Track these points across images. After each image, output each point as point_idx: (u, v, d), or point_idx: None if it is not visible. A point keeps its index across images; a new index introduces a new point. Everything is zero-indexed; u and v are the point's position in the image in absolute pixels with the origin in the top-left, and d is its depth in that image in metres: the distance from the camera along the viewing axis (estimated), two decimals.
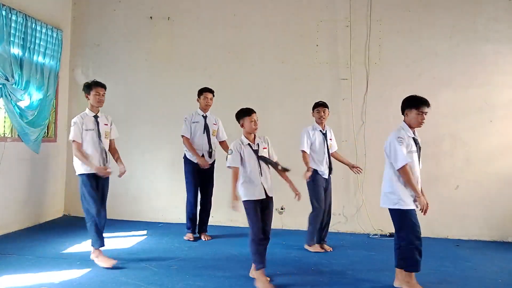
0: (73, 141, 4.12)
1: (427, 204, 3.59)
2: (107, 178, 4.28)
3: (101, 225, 4.17)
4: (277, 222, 6.00)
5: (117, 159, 4.44)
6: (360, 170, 5.02)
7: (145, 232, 5.53)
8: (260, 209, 3.77)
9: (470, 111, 5.71)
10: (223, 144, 5.31)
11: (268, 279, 3.77)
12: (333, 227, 5.86)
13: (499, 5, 5.68)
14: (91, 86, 4.22)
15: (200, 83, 5.56)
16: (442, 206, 5.70)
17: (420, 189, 3.62)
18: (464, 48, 5.73)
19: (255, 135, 3.86)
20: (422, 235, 5.61)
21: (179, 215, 5.66)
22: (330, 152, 4.96)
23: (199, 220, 5.29)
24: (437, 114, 5.73)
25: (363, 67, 5.90)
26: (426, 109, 3.62)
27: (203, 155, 5.14)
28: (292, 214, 5.82)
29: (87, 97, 4.25)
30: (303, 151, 4.84)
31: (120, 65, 6.32)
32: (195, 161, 5.13)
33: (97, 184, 4.18)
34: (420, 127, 3.67)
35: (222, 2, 6.18)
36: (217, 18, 6.17)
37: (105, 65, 6.35)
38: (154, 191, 6.22)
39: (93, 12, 6.39)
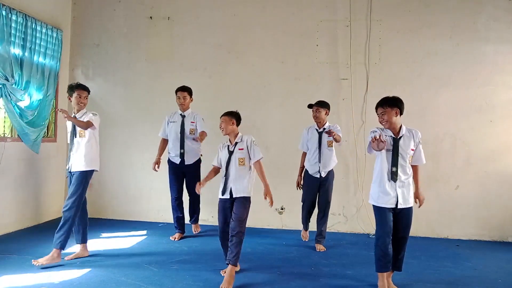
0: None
1: None
2: (74, 177, 4.24)
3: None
4: (277, 222, 6.02)
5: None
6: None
7: (145, 232, 5.53)
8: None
9: (470, 111, 5.71)
10: (201, 133, 5.05)
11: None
12: (333, 227, 5.88)
13: (499, 5, 5.69)
14: (74, 88, 4.31)
15: (200, 83, 5.58)
16: (442, 206, 5.72)
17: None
18: (464, 48, 5.73)
19: (235, 136, 3.95)
20: (422, 235, 5.69)
21: None
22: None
23: (189, 213, 5.44)
24: (437, 114, 5.76)
25: (363, 67, 5.90)
26: (379, 110, 3.64)
27: (180, 155, 5.18)
28: (292, 214, 5.82)
29: (69, 99, 4.38)
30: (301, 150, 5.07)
31: (120, 65, 6.32)
32: (177, 162, 5.21)
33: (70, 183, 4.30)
34: (385, 127, 3.67)
35: (222, 2, 6.18)
36: (217, 18, 6.17)
37: (105, 65, 6.35)
38: (154, 191, 6.22)
39: (93, 12, 6.39)
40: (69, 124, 4.33)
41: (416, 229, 5.65)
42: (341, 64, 5.95)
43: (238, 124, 3.99)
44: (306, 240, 5.22)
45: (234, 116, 3.96)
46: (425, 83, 5.78)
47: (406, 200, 3.58)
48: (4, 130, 5.29)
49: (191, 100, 5.30)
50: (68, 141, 4.37)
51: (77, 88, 4.30)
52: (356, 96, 5.89)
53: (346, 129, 5.90)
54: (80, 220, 4.29)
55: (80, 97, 4.29)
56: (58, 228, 4.09)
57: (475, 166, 5.68)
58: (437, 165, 5.68)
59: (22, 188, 5.46)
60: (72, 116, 4.22)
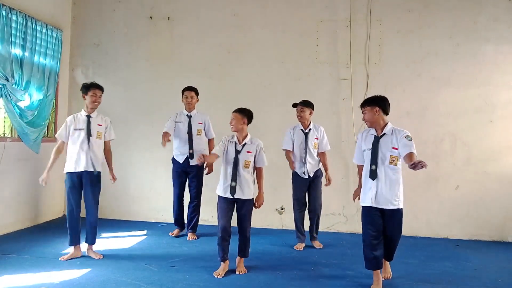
0: (56, 138, 4.26)
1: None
2: (91, 178, 4.33)
3: (87, 222, 4.39)
4: (277, 222, 6.02)
5: (109, 164, 4.56)
6: (329, 183, 5.03)
7: (145, 232, 5.53)
8: (236, 209, 3.99)
9: (470, 111, 5.71)
10: (210, 142, 5.29)
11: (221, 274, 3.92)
12: (333, 227, 5.88)
13: (499, 5, 5.68)
14: (89, 87, 4.31)
15: (200, 83, 5.57)
16: (442, 206, 5.72)
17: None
18: (464, 48, 5.73)
19: (244, 136, 3.97)
20: (422, 235, 5.69)
21: None
22: (318, 152, 4.95)
23: (187, 220, 5.34)
24: (437, 114, 5.76)
25: (363, 67, 5.90)
26: (362, 109, 3.70)
27: (187, 157, 5.15)
28: (292, 214, 5.80)
29: (83, 97, 4.34)
30: (285, 150, 4.97)
31: (120, 65, 6.32)
32: (181, 162, 5.19)
33: (79, 183, 4.31)
34: (368, 126, 3.71)
35: (222, 2, 6.18)
36: (217, 18, 6.17)
37: (105, 65, 6.35)
38: (154, 191, 6.22)
39: (93, 12, 6.39)
40: (81, 121, 4.29)
41: (416, 229, 5.68)
42: (341, 64, 5.95)
43: (248, 124, 4.00)
44: (301, 250, 4.93)
45: (246, 115, 3.96)
46: (425, 83, 5.78)
47: (378, 200, 3.56)
48: (4, 130, 5.29)
49: (197, 100, 5.31)
50: (64, 140, 4.29)
51: (92, 87, 4.31)
52: (356, 96, 5.88)
53: (346, 129, 5.90)
54: (78, 221, 4.31)
55: (95, 96, 4.31)
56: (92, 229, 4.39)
57: (475, 166, 5.67)
58: (437, 165, 5.68)
59: (22, 188, 5.46)
60: (86, 115, 4.30)
